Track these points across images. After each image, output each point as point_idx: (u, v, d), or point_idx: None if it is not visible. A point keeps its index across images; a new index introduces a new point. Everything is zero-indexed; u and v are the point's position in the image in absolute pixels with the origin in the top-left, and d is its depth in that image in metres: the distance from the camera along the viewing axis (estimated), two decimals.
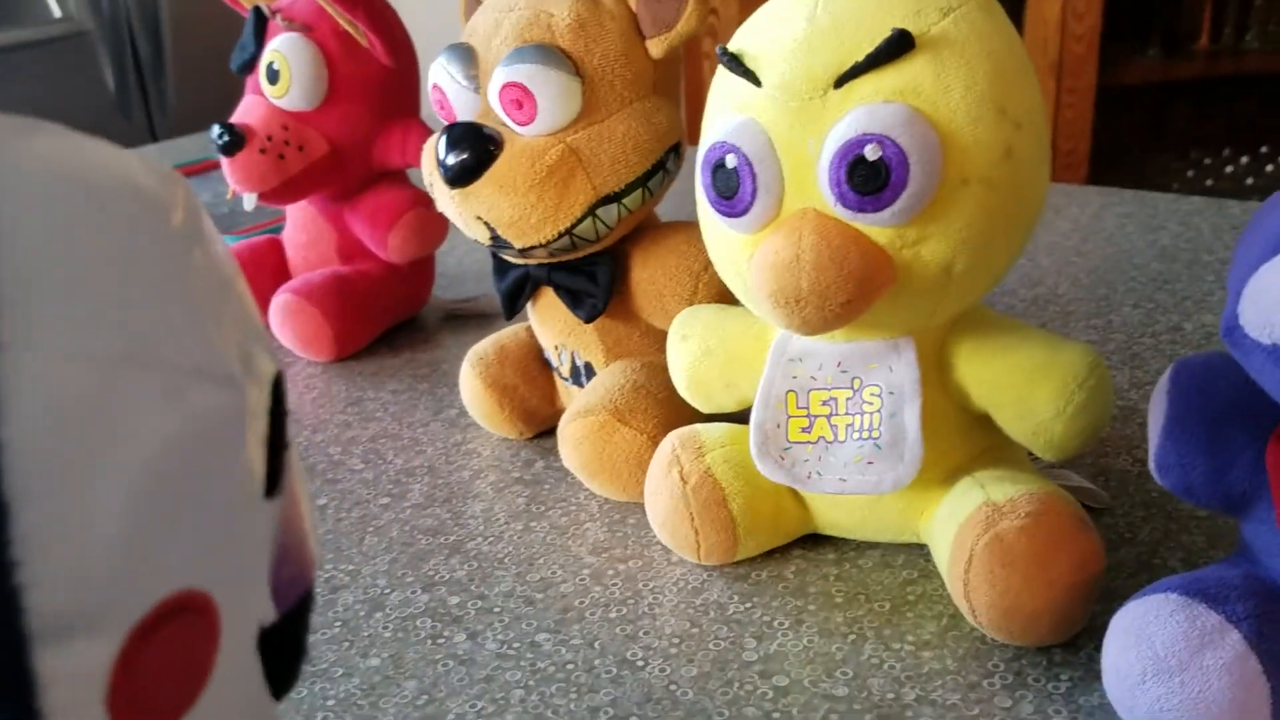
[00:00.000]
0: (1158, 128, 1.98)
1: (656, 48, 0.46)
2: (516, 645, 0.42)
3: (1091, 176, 1.75)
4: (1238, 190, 1.77)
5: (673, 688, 0.39)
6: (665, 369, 0.49)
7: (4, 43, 1.79)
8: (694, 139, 0.44)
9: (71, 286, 0.15)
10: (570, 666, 0.40)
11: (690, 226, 0.50)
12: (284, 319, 0.66)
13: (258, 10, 0.63)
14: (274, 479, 0.20)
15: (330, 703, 0.39)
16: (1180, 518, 0.46)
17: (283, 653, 0.22)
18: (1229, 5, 1.80)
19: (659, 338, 0.52)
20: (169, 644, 0.17)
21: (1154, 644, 0.32)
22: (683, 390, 0.47)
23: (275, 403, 0.20)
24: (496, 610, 0.44)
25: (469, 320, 0.73)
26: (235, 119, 0.63)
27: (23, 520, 0.15)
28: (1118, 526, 0.45)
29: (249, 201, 0.64)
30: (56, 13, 1.87)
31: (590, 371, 0.54)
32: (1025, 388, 0.39)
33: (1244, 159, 1.80)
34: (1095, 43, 1.68)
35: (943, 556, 0.40)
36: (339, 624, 0.44)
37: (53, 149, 0.17)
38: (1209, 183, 1.80)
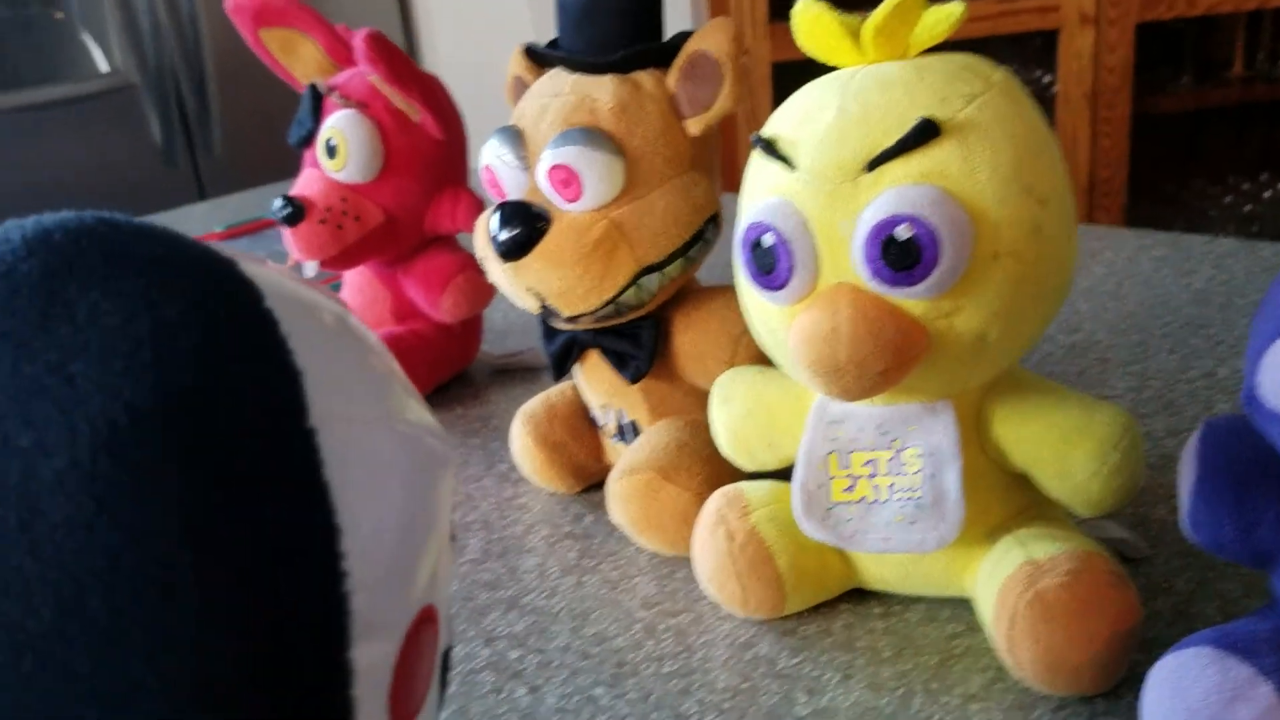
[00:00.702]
0: (1194, 155, 1.97)
1: (694, 127, 0.49)
2: (576, 699, 0.44)
3: (1129, 204, 1.76)
4: (1276, 215, 1.76)
5: None
6: (708, 426, 0.51)
7: (52, 98, 1.86)
8: (732, 189, 0.46)
9: (346, 378, 0.21)
10: None
11: (729, 291, 0.52)
12: None
13: (314, 88, 0.66)
14: (454, 526, 0.24)
15: None
16: (1217, 566, 0.47)
17: (444, 675, 0.25)
18: (1263, 31, 1.80)
19: (701, 397, 0.54)
20: (422, 647, 0.21)
21: (1189, 697, 0.33)
22: (725, 450, 0.48)
23: None
24: (555, 664, 0.46)
25: (515, 375, 0.76)
26: (295, 192, 0.66)
27: (347, 539, 0.19)
28: (1155, 576, 0.47)
29: (310, 269, 0.67)
30: (103, 67, 1.94)
31: (635, 430, 0.56)
32: (1062, 449, 0.40)
33: None
34: (1129, 73, 1.69)
35: (987, 613, 0.41)
36: None
37: (298, 284, 0.22)
38: (1246, 208, 1.80)
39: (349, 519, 0.19)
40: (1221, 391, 0.61)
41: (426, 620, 0.22)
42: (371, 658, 0.20)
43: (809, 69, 0.42)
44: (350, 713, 0.19)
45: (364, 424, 0.20)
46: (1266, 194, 1.80)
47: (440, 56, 2.10)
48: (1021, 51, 1.80)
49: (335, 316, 0.22)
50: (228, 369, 0.18)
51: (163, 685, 0.17)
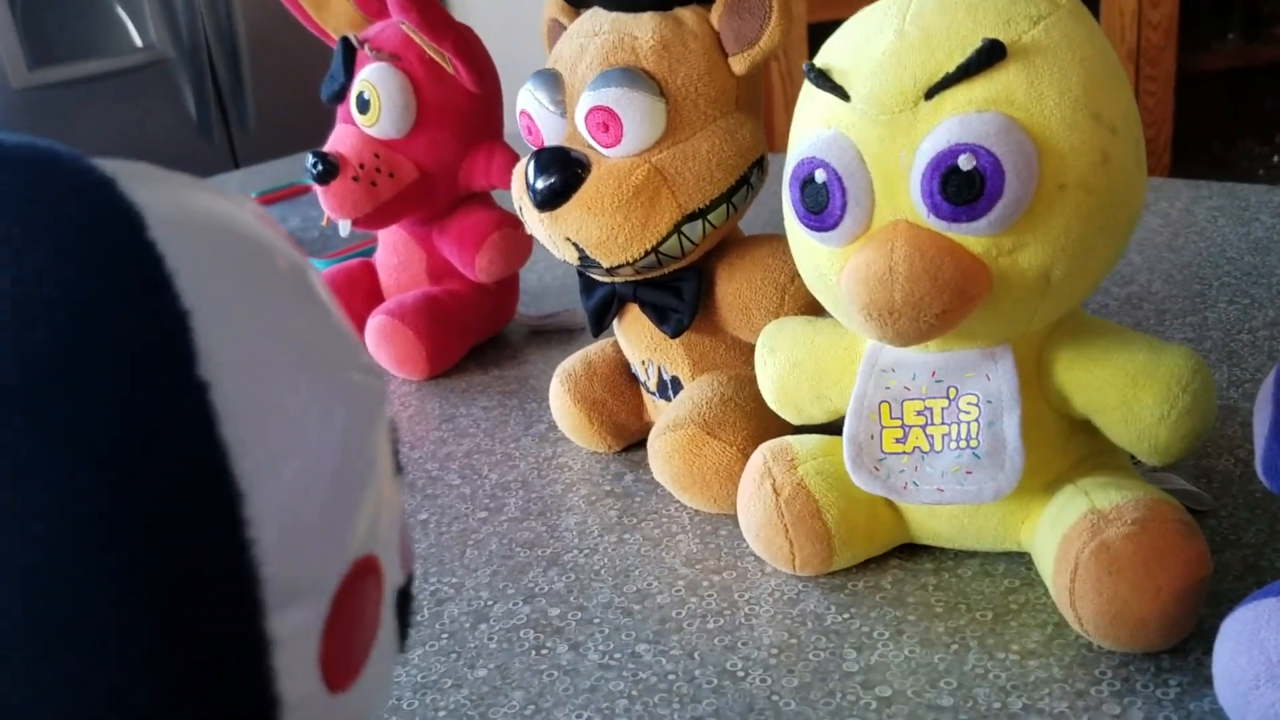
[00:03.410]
0: (1240, 113, 1.92)
1: (739, 64, 0.47)
2: (618, 656, 0.42)
3: (1174, 164, 1.71)
4: None
5: (775, 698, 0.39)
6: (753, 381, 0.49)
7: (89, 73, 1.87)
8: (772, 145, 0.45)
9: (252, 315, 0.18)
10: (672, 677, 0.41)
11: (775, 239, 0.50)
12: (379, 340, 0.68)
13: (346, 41, 0.65)
14: (396, 456, 0.23)
15: (441, 714, 0.41)
16: None
17: (404, 610, 0.24)
18: None
19: (745, 350, 0.53)
20: (359, 604, 0.20)
21: (1267, 649, 0.32)
22: (772, 403, 0.47)
23: None
24: (596, 621, 0.45)
25: (552, 336, 0.75)
26: (328, 148, 0.65)
27: (251, 503, 0.17)
28: (1222, 529, 0.45)
29: (344, 228, 0.66)
30: (138, 42, 1.94)
31: (677, 385, 0.54)
32: (1129, 392, 0.38)
33: None
34: (1173, 30, 1.64)
35: (1047, 565, 0.40)
36: (446, 635, 0.45)
37: (206, 201, 0.19)
38: None
39: (254, 481, 0.17)
40: None
41: (365, 572, 0.20)
42: (294, 624, 0.18)
43: None
44: (270, 682, 0.18)
45: (274, 369, 0.18)
46: None
47: (474, 6, 2.08)
48: None
49: (245, 240, 0.19)
50: (99, 321, 0.16)
51: (54, 678, 0.16)
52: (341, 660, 0.20)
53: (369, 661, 0.21)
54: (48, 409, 0.16)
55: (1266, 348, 0.58)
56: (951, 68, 0.35)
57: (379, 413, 0.21)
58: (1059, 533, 0.39)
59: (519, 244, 0.68)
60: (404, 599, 0.24)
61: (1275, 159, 1.78)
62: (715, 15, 0.47)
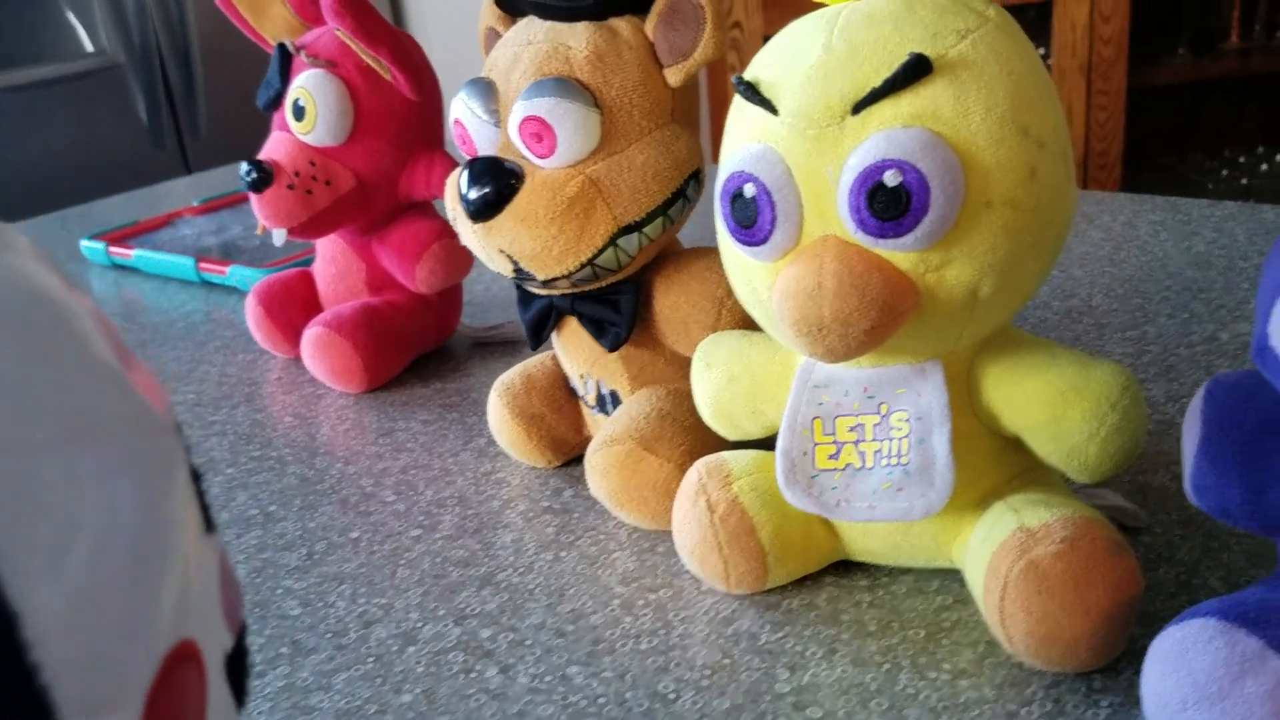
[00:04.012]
0: (1190, 127, 1.95)
1: (674, 76, 0.46)
2: (549, 679, 0.41)
3: (1125, 177, 1.74)
4: (1274, 188, 1.74)
5: None
6: (691, 396, 0.48)
7: (38, 78, 1.83)
8: (718, 158, 0.44)
9: (8, 388, 0.15)
10: (602, 700, 0.40)
11: (712, 253, 0.50)
12: (315, 352, 0.66)
13: (282, 47, 0.64)
14: (205, 511, 0.20)
15: None
16: (1220, 535, 0.45)
17: (238, 671, 0.22)
18: (1259, 3, 1.78)
19: (684, 365, 0.52)
20: (177, 697, 0.18)
21: (1194, 671, 0.32)
22: (708, 418, 0.46)
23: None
24: (528, 643, 0.44)
25: (496, 348, 0.74)
26: (263, 155, 0.64)
27: (29, 622, 0.15)
28: (1156, 545, 0.45)
29: (278, 237, 0.64)
30: (89, 46, 1.91)
31: (616, 400, 0.54)
32: (1057, 409, 0.38)
33: (1278, 156, 1.77)
34: (1124, 44, 1.66)
35: (977, 584, 0.39)
36: (372, 659, 0.44)
37: None
38: (1244, 181, 1.78)
39: (28, 594, 0.15)
40: (1224, 356, 0.59)
41: (179, 660, 0.18)
42: None
43: None
44: None
45: (32, 452, 0.15)
46: (1264, 167, 1.78)
47: (428, 18, 2.07)
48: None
49: (2, 297, 0.16)
50: None
51: None
52: None
53: None
54: None
55: (1204, 362, 0.59)
56: (878, 82, 0.34)
57: (174, 475, 0.18)
58: (988, 550, 0.38)
59: (460, 254, 0.67)
60: (236, 660, 0.21)
61: (1225, 173, 1.81)
62: (650, 26, 0.46)
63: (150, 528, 0.17)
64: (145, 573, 0.17)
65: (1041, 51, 1.73)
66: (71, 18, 1.90)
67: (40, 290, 0.17)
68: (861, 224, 0.35)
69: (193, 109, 2.01)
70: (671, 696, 0.40)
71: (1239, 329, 0.62)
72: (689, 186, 0.49)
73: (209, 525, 0.20)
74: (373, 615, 0.47)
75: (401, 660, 0.44)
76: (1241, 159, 1.80)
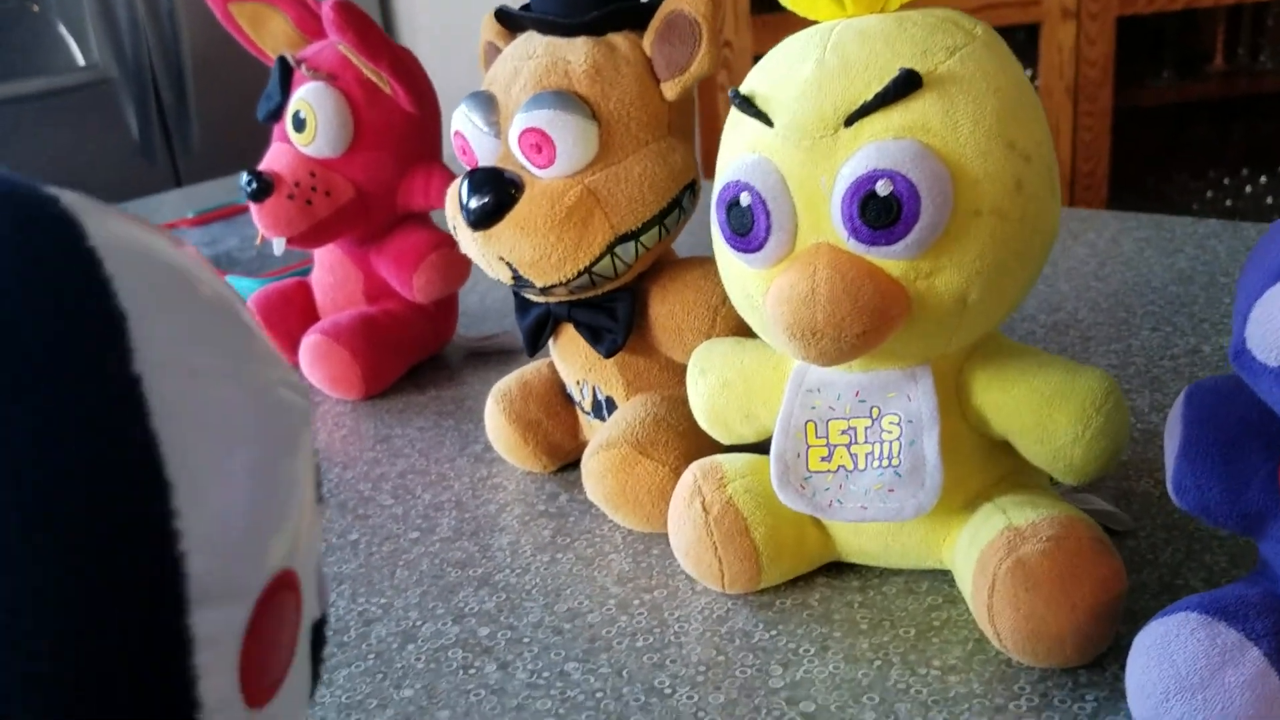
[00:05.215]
0: (1175, 149, 1.98)
1: (670, 90, 0.48)
2: (546, 675, 0.42)
3: (1110, 198, 1.76)
4: (1258, 210, 1.77)
5: (701, 714, 0.39)
6: (686, 401, 0.49)
7: (30, 91, 1.84)
8: (710, 172, 0.45)
9: (184, 325, 0.19)
10: (599, 695, 0.41)
11: (707, 262, 0.51)
12: (314, 360, 0.67)
13: (283, 60, 0.65)
14: (319, 482, 0.23)
15: None
16: (1202, 538, 0.46)
17: (318, 647, 0.24)
18: (1242, 26, 1.81)
19: (679, 371, 0.53)
20: (279, 616, 0.20)
21: (1176, 662, 0.33)
22: (703, 423, 0.47)
23: None
24: (526, 640, 0.45)
25: (492, 357, 0.75)
26: (263, 166, 0.65)
27: (180, 496, 0.17)
28: (1140, 549, 0.46)
29: (278, 246, 0.65)
30: (80, 61, 1.91)
31: (612, 405, 0.55)
32: (1044, 413, 0.39)
33: (1263, 178, 1.80)
34: (1110, 67, 1.69)
35: (966, 582, 0.41)
36: (373, 656, 0.44)
37: (139, 225, 0.21)
38: (1228, 203, 1.80)
39: (184, 475, 0.17)
40: (1206, 368, 0.61)
41: (284, 586, 0.20)
42: (215, 624, 0.18)
43: None
44: (193, 683, 0.18)
45: (206, 377, 0.19)
46: (1248, 188, 1.80)
47: (418, 28, 2.08)
48: None
49: (178, 265, 0.20)
50: (39, 304, 0.17)
51: None
52: (260, 674, 0.19)
53: (285, 684, 0.21)
54: None
55: (1187, 373, 0.60)
56: (870, 96, 0.36)
57: (304, 431, 0.21)
58: (977, 549, 0.40)
59: (457, 264, 0.68)
60: (318, 635, 0.24)
61: (1209, 194, 1.84)
62: (647, 42, 0.48)
63: (282, 462, 0.20)
64: (273, 496, 0.19)
65: (1029, 72, 1.75)
66: (63, 31, 1.90)
67: (201, 267, 0.21)
68: (854, 232, 0.36)
69: (185, 124, 2.02)
70: (667, 691, 0.41)
71: (1221, 341, 0.63)
72: (684, 197, 0.50)
73: (320, 498, 0.23)
74: (372, 614, 0.47)
75: (401, 657, 0.44)
76: (1226, 180, 1.83)
